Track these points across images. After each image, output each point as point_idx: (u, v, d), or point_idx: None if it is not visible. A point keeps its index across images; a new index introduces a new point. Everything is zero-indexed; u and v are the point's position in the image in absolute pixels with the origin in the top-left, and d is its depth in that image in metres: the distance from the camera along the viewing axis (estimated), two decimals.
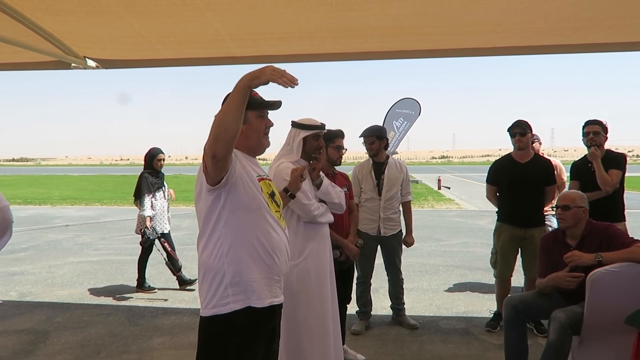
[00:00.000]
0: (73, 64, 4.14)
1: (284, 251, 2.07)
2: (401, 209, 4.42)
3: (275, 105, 2.10)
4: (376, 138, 4.21)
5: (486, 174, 4.41)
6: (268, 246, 2.00)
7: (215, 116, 1.87)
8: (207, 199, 1.95)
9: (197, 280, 5.21)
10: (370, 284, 4.40)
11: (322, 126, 3.01)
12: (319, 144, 2.99)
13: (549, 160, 4.39)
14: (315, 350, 2.88)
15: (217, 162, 1.83)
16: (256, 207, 2.00)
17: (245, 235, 1.96)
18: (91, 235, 10.16)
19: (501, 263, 4.19)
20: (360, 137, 4.30)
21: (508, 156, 4.29)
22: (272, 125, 2.14)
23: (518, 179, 4.08)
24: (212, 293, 1.94)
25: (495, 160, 4.46)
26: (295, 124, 3.00)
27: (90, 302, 5.30)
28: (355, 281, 4.29)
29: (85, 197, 20.73)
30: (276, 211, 2.11)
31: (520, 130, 4.08)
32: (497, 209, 4.33)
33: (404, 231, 4.43)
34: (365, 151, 4.32)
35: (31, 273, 6.72)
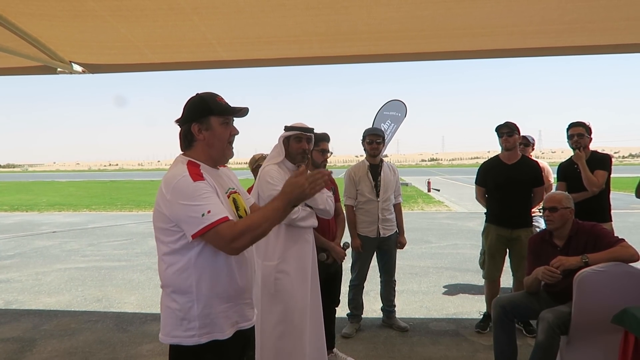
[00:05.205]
0: (59, 69, 4.09)
1: (250, 269, 1.95)
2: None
3: (242, 112, 1.92)
4: (382, 139, 4.32)
5: (475, 176, 4.44)
6: (239, 271, 1.87)
7: (255, 218, 1.76)
8: (175, 229, 1.79)
9: None
10: (363, 287, 4.40)
11: (305, 129, 3.02)
12: (301, 146, 2.99)
13: (537, 162, 4.43)
14: (289, 352, 2.89)
15: (227, 248, 1.74)
16: None
17: (217, 265, 1.82)
18: (79, 241, 10.05)
19: (489, 264, 4.22)
20: (364, 136, 4.32)
21: (496, 158, 4.32)
22: (237, 133, 1.95)
23: (505, 180, 4.11)
24: (177, 321, 1.82)
25: (484, 162, 4.50)
26: (285, 127, 3.05)
27: (78, 309, 5.23)
28: (348, 284, 4.30)
29: (73, 203, 20.54)
30: None
31: (507, 131, 4.12)
32: (485, 210, 4.36)
33: None
34: (357, 154, 4.34)
35: (17, 280, 6.63)
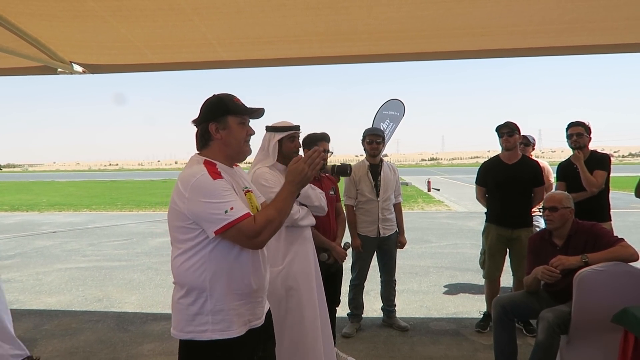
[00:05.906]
0: (59, 69, 4.09)
1: (262, 267, 1.97)
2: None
3: (258, 113, 1.99)
4: (382, 139, 4.33)
5: (475, 176, 4.44)
6: (252, 269, 1.90)
7: (270, 212, 1.82)
8: (193, 226, 1.82)
9: None
10: (364, 287, 4.40)
11: (297, 127, 3.01)
12: (295, 146, 2.98)
13: (537, 161, 4.44)
14: (304, 353, 2.87)
15: (250, 243, 1.80)
16: None
17: (231, 261, 1.85)
18: (79, 241, 10.06)
19: (489, 263, 4.22)
20: (364, 136, 4.33)
21: (496, 157, 4.33)
22: (253, 133, 2.02)
23: (505, 180, 4.11)
24: (190, 317, 1.84)
25: (484, 162, 4.51)
26: (269, 128, 3.01)
27: (79, 309, 5.24)
28: (348, 283, 4.31)
29: (74, 203, 20.55)
30: None
31: (508, 131, 4.12)
32: (485, 210, 4.37)
33: None
34: (357, 153, 4.34)
35: (18, 280, 6.63)
